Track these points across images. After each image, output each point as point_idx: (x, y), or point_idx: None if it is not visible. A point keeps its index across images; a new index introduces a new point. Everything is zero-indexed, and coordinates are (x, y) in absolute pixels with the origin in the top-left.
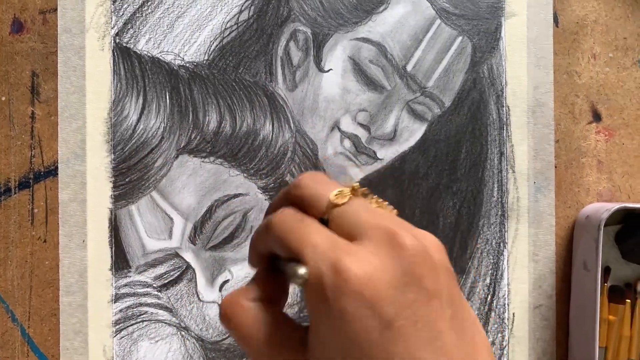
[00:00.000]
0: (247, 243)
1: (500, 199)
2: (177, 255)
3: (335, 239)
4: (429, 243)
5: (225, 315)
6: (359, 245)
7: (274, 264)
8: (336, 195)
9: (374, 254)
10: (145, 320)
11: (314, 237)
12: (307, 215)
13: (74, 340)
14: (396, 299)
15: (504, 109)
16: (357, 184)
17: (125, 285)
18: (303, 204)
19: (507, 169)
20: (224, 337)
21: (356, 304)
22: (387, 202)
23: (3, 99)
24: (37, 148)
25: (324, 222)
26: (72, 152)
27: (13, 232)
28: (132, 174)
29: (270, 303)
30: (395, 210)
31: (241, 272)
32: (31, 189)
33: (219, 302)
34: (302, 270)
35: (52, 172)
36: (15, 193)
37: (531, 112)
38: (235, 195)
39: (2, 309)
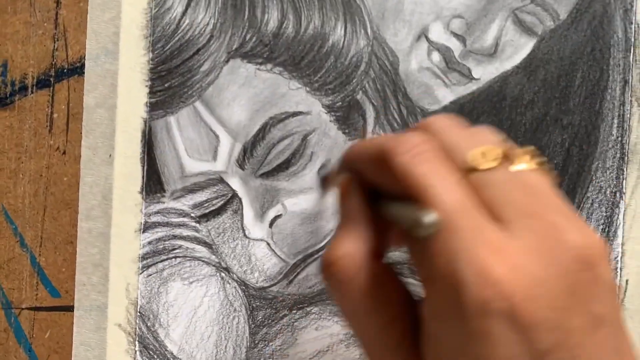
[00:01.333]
0: (305, 172)
1: (620, 139)
2: (221, 180)
3: (480, 216)
4: (597, 249)
5: (333, 270)
6: (510, 237)
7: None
8: (482, 153)
9: (532, 255)
10: (179, 257)
11: (453, 203)
12: (446, 162)
13: (92, 275)
14: (558, 325)
15: (633, 26)
16: (515, 146)
17: (158, 212)
18: (429, 158)
19: (631, 101)
20: (272, 282)
21: (504, 327)
22: (552, 171)
23: None
24: (61, 40)
25: None
26: (102, 47)
27: (27, 140)
28: (172, 79)
29: (376, 255)
30: (555, 175)
31: (296, 207)
32: (51, 88)
33: (269, 240)
34: (430, 217)
35: (77, 69)
36: (32, 92)
37: None
38: (295, 114)
39: (9, 230)
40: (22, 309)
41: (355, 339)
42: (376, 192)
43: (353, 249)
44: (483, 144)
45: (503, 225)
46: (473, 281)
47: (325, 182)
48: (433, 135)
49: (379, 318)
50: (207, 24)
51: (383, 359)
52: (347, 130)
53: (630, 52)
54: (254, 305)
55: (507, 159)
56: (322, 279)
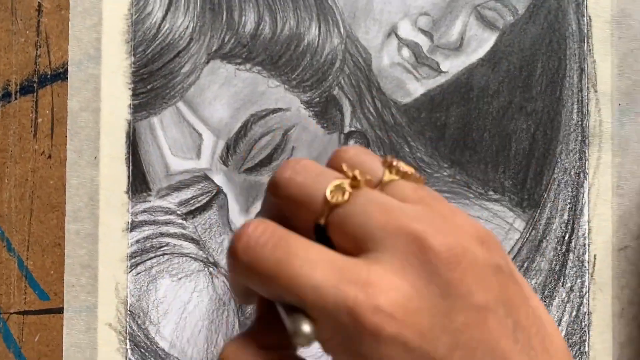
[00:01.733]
0: None
1: (580, 123)
2: (206, 177)
3: (342, 264)
4: (467, 237)
5: None
6: (375, 263)
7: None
8: (333, 191)
9: (399, 274)
10: (167, 254)
11: (312, 273)
12: (291, 231)
13: (81, 276)
14: (445, 328)
15: (585, 19)
16: (370, 158)
17: (144, 211)
18: (290, 209)
19: (588, 87)
20: None
21: (399, 349)
22: (411, 169)
23: None
24: (43, 47)
25: (321, 229)
26: (85, 52)
27: (12, 145)
28: (155, 81)
29: (282, 348)
30: (422, 178)
31: None
32: (35, 94)
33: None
34: (306, 328)
35: (60, 75)
36: (16, 99)
37: (615, 23)
38: (275, 110)
39: None
40: (11, 313)
41: None
42: None
43: (246, 342)
44: (334, 179)
45: (371, 254)
46: (352, 326)
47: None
48: (283, 191)
49: None
50: (187, 27)
51: None
52: (325, 125)
53: (584, 42)
54: None
55: (357, 185)
56: None
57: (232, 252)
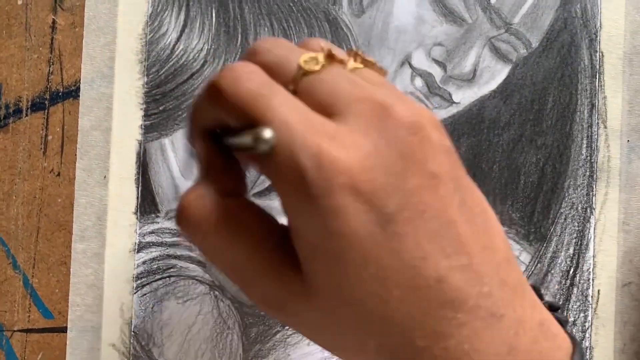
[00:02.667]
0: None
1: (589, 158)
2: None
3: (312, 116)
4: (426, 118)
5: (185, 215)
6: (341, 124)
7: (219, 143)
8: (306, 61)
9: (362, 133)
10: (173, 276)
11: (284, 111)
12: (276, 75)
13: (86, 296)
14: (397, 187)
15: (597, 54)
16: (338, 49)
17: (152, 232)
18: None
19: (598, 123)
20: None
21: (350, 199)
22: (379, 65)
23: (20, 2)
24: (56, 64)
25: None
26: (98, 71)
27: (21, 162)
28: (167, 102)
29: (232, 193)
30: (385, 71)
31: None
32: (46, 111)
33: None
34: (267, 134)
35: (72, 93)
36: (26, 115)
37: (627, 60)
38: None
39: (1, 252)
40: (14, 331)
41: (226, 277)
42: (222, 133)
43: (201, 191)
44: (308, 53)
45: (335, 117)
46: (312, 165)
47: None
48: (264, 52)
49: (240, 248)
50: (201, 49)
51: (257, 280)
52: None
53: (596, 78)
54: (247, 322)
55: (331, 59)
56: (178, 229)
57: (216, 81)
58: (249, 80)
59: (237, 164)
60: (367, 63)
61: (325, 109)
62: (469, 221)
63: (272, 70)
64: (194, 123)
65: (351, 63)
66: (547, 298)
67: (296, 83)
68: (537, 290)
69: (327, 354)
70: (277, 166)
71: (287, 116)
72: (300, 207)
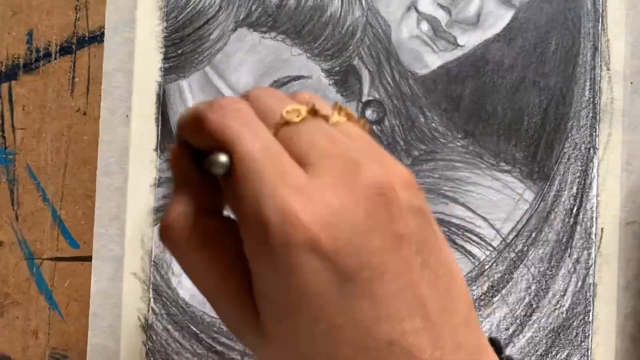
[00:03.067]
0: None
1: (592, 99)
2: None
3: (285, 161)
4: (398, 178)
5: (168, 233)
6: (311, 177)
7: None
8: (288, 111)
9: (331, 189)
10: None
11: (258, 149)
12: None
13: (110, 227)
14: (360, 247)
15: None
16: (324, 103)
17: None
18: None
19: (600, 65)
20: None
21: (309, 256)
22: (363, 120)
23: None
24: (82, 10)
25: None
26: (120, 17)
27: (50, 102)
28: (185, 45)
29: (210, 213)
30: (368, 127)
31: None
32: (73, 55)
33: None
34: (223, 158)
35: (97, 38)
36: (55, 59)
37: (631, 2)
38: (297, 78)
39: (32, 185)
40: (44, 259)
41: (200, 293)
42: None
43: (184, 209)
44: (292, 105)
45: (307, 168)
46: (275, 219)
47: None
48: (254, 99)
49: (215, 269)
50: None
51: (224, 308)
52: (344, 93)
53: (599, 21)
54: None
55: (314, 113)
56: (162, 243)
57: (203, 111)
58: (236, 117)
59: (216, 183)
60: (350, 117)
61: (300, 159)
62: (430, 283)
63: (259, 116)
64: (178, 144)
65: (335, 117)
66: (550, 236)
67: (276, 131)
68: (497, 343)
69: None
70: (242, 206)
71: (260, 154)
72: (259, 256)
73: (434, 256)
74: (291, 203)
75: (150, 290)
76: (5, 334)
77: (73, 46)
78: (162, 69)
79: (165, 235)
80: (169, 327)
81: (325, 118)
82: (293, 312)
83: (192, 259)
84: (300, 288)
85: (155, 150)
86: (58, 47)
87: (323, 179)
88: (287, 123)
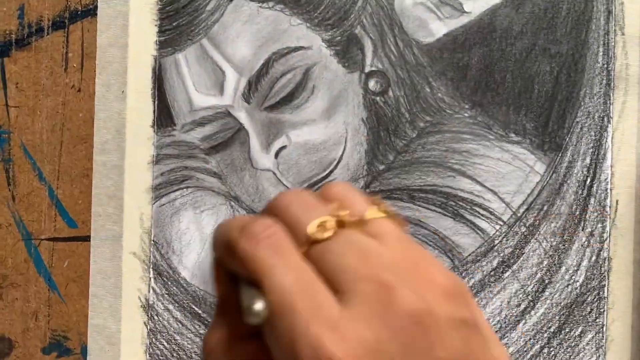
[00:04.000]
0: (308, 104)
1: (605, 66)
2: (228, 114)
3: (317, 294)
4: (436, 292)
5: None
6: (344, 309)
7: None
8: (317, 226)
9: (365, 323)
10: (191, 187)
11: (291, 287)
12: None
13: (108, 206)
14: None
15: None
16: (357, 196)
17: (169, 145)
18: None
19: (615, 30)
20: None
21: None
22: (399, 217)
23: None
24: None
25: None
26: None
27: (44, 79)
28: (180, 18)
29: (246, 336)
30: (404, 221)
31: (300, 138)
32: (66, 30)
33: (274, 170)
34: (258, 306)
35: (90, 11)
36: (48, 34)
37: None
38: (296, 49)
39: (28, 165)
40: (42, 239)
41: None
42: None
43: (223, 335)
44: (323, 214)
45: (340, 295)
46: (309, 358)
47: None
48: (281, 212)
49: None
50: None
51: None
52: (346, 64)
53: None
54: None
55: (343, 225)
56: None
57: (234, 238)
58: (267, 246)
59: None
60: (386, 213)
61: (332, 284)
62: None
63: (289, 229)
64: (215, 261)
65: (370, 212)
66: (563, 208)
67: (307, 249)
68: None
69: None
70: (277, 344)
71: (293, 290)
72: None
73: None
74: (324, 341)
75: (151, 269)
76: (5, 316)
77: (65, 20)
78: (158, 43)
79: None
80: (170, 307)
81: (357, 222)
82: None
83: None
84: None
85: (152, 126)
86: (50, 22)
87: (356, 310)
88: (315, 241)
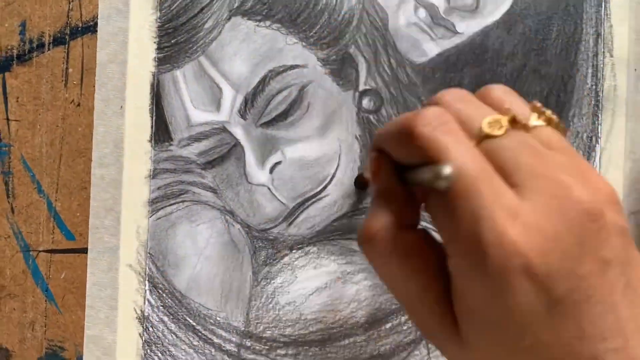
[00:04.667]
0: (303, 121)
1: (594, 87)
2: (224, 130)
3: (497, 183)
4: (604, 197)
5: (371, 245)
6: (524, 200)
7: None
8: (490, 123)
9: (543, 215)
10: (186, 201)
11: (475, 169)
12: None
13: (105, 219)
14: (570, 272)
15: None
16: (521, 104)
17: (166, 159)
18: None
19: (603, 52)
20: (273, 225)
21: (522, 279)
22: (561, 123)
23: None
24: (75, 0)
25: None
26: (114, 7)
27: (44, 93)
28: (179, 35)
29: (410, 227)
30: (567, 130)
31: (295, 154)
32: (67, 45)
33: (269, 185)
34: (447, 170)
35: (90, 28)
36: (49, 49)
37: None
38: (292, 67)
39: (27, 177)
40: (40, 251)
41: (395, 299)
42: (404, 166)
43: (387, 222)
44: (491, 113)
45: (516, 188)
46: (493, 243)
47: (360, 182)
48: (451, 106)
49: (416, 282)
50: None
51: (423, 316)
52: (341, 82)
53: (601, 6)
54: (257, 245)
55: (515, 123)
56: (362, 251)
57: (411, 122)
58: (446, 131)
59: (414, 196)
60: (549, 121)
61: (506, 176)
62: (631, 303)
63: (459, 123)
64: (380, 156)
65: (535, 119)
66: None
67: (478, 143)
68: None
69: (332, 277)
70: (457, 225)
71: (476, 173)
72: (469, 273)
73: (635, 275)
74: (508, 227)
75: (146, 282)
76: (3, 326)
77: (66, 36)
78: (156, 59)
79: (368, 246)
80: (165, 318)
81: (525, 126)
82: (500, 327)
83: (394, 271)
84: (511, 307)
85: (150, 141)
86: (51, 38)
87: (535, 202)
88: (488, 136)
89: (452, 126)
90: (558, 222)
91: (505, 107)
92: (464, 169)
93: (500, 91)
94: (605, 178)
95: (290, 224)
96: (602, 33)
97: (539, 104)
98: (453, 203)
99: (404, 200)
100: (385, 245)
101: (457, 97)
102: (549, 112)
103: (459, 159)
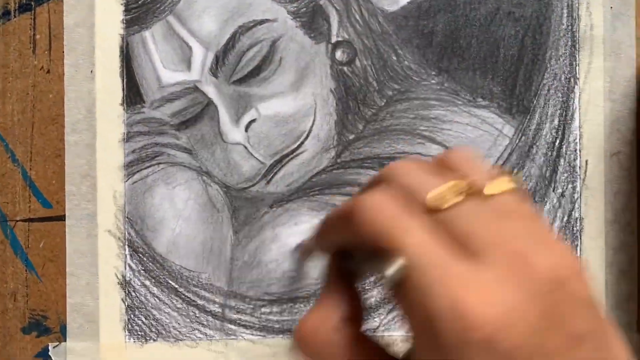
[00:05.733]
0: (276, 77)
1: (570, 27)
2: (196, 89)
3: (448, 254)
4: (567, 267)
5: (305, 342)
6: (479, 269)
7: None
8: (441, 193)
9: (501, 285)
10: (162, 163)
11: (421, 245)
12: (408, 207)
13: (81, 185)
14: (536, 348)
15: None
16: (482, 173)
17: (139, 122)
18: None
19: None
20: (251, 183)
21: (484, 356)
22: (515, 184)
23: None
24: None
25: None
26: None
27: (13, 62)
28: None
29: (351, 322)
30: (527, 193)
31: (269, 111)
32: (33, 12)
33: (245, 143)
34: (392, 269)
35: None
36: (15, 17)
37: None
38: (262, 21)
39: (1, 147)
40: (17, 221)
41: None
42: (349, 254)
43: (324, 318)
44: (442, 183)
45: (472, 257)
46: (447, 314)
47: (301, 253)
48: (396, 181)
49: None
50: None
51: None
52: (312, 35)
53: None
54: (236, 205)
55: (471, 190)
56: (297, 350)
57: (352, 208)
58: (387, 210)
59: (355, 289)
60: (508, 187)
61: (462, 246)
62: None
63: (404, 200)
64: (323, 243)
65: (490, 187)
66: (533, 170)
67: (432, 215)
68: None
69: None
70: (409, 303)
71: (420, 250)
72: (428, 352)
73: (609, 351)
74: (462, 297)
75: (126, 246)
76: None
77: (32, 3)
78: (124, 21)
79: (303, 344)
80: (147, 282)
81: (482, 194)
82: None
83: None
84: None
85: (122, 104)
86: (17, 5)
87: (492, 270)
88: (437, 209)
89: (393, 205)
90: (518, 293)
91: (461, 174)
92: (406, 246)
93: (459, 156)
94: (568, 245)
95: (268, 181)
96: None
97: (496, 171)
98: (408, 284)
99: (348, 295)
100: (320, 343)
101: (403, 171)
102: (507, 178)
103: (400, 237)
